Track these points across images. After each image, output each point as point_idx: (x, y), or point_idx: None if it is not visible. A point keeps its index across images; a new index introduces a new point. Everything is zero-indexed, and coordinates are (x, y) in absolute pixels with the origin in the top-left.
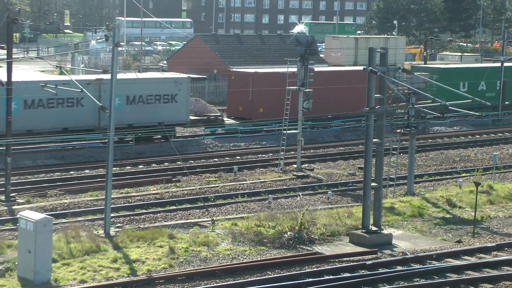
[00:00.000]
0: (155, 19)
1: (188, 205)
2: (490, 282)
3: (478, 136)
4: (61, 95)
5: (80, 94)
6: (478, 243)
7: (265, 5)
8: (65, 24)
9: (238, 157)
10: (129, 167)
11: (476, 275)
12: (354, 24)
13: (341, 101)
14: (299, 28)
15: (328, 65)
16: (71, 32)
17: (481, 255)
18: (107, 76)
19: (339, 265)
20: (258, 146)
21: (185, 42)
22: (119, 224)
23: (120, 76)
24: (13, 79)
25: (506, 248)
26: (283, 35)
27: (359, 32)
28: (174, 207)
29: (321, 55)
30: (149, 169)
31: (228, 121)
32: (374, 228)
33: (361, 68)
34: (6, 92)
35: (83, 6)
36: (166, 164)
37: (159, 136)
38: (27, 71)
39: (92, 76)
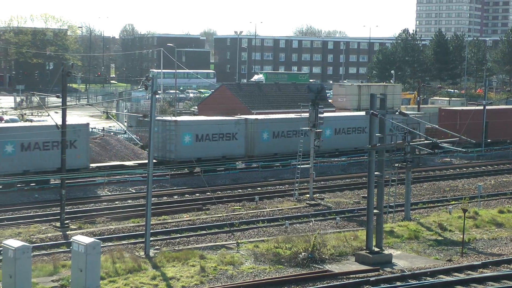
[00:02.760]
0: (183, 70)
1: (216, 230)
2: None
3: (465, 169)
4: (222, 131)
5: (234, 129)
6: (466, 262)
7: (281, 58)
8: (111, 75)
9: (259, 188)
10: (166, 198)
11: None
12: (307, 73)
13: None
14: (258, 77)
15: (335, 109)
16: (116, 82)
17: (469, 272)
18: (254, 117)
19: (347, 281)
20: (276, 179)
21: (213, 90)
22: (157, 247)
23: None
24: (188, 118)
25: (490, 266)
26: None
27: (362, 80)
28: (204, 232)
29: (329, 100)
30: (183, 199)
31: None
32: (376, 249)
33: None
34: (61, 135)
35: (126, 60)
36: (197, 194)
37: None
38: (79, 116)
39: (242, 117)
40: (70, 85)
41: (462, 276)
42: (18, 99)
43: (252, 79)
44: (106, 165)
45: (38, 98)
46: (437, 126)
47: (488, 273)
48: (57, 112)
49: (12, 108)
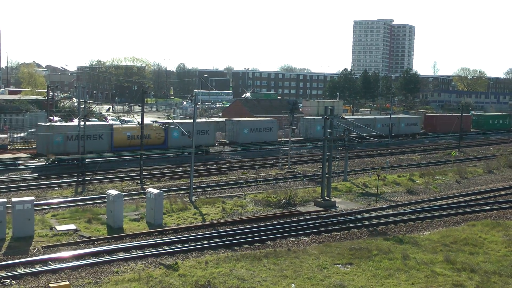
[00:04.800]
0: (213, 91)
1: (232, 186)
2: (383, 224)
3: (379, 151)
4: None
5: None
6: (378, 205)
7: (271, 84)
8: (171, 93)
9: (258, 161)
10: (202, 166)
11: (377, 221)
12: (276, 93)
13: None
14: (246, 95)
15: (303, 115)
16: (173, 97)
17: (379, 211)
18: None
19: (309, 216)
20: (268, 156)
21: (231, 103)
22: (197, 195)
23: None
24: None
25: (392, 207)
26: (280, 99)
27: (320, 98)
28: (224, 187)
29: (300, 110)
30: (212, 167)
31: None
32: (326, 198)
33: (456, 114)
34: (141, 128)
35: (180, 84)
36: (221, 165)
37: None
38: (151, 117)
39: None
40: (146, 100)
41: (376, 213)
42: (108, 106)
43: (242, 96)
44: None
45: (128, 106)
46: (363, 126)
47: (390, 211)
48: (138, 115)
49: (110, 112)
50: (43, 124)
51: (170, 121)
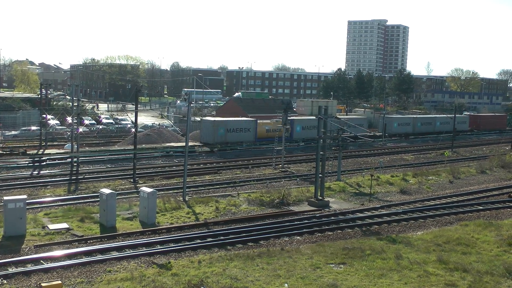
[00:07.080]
0: (207, 90)
1: (226, 185)
2: (373, 224)
3: (373, 151)
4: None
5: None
6: (371, 205)
7: (266, 83)
8: (165, 92)
9: (251, 160)
10: (195, 165)
11: (370, 221)
12: (267, 93)
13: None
14: (237, 94)
15: (297, 114)
16: (167, 96)
17: (373, 210)
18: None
19: (302, 216)
20: (261, 156)
21: (225, 102)
22: (190, 195)
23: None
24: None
25: (385, 207)
26: (274, 98)
27: (314, 98)
28: (218, 186)
29: (294, 109)
30: (206, 166)
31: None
32: (320, 198)
33: (497, 114)
34: (135, 126)
35: (174, 83)
36: (214, 164)
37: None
38: (145, 116)
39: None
40: (140, 98)
41: (369, 213)
42: (91, 104)
43: (233, 95)
44: (161, 146)
45: (121, 105)
46: (354, 125)
47: (383, 211)
48: (131, 114)
49: (95, 111)
50: (208, 119)
51: (297, 118)
